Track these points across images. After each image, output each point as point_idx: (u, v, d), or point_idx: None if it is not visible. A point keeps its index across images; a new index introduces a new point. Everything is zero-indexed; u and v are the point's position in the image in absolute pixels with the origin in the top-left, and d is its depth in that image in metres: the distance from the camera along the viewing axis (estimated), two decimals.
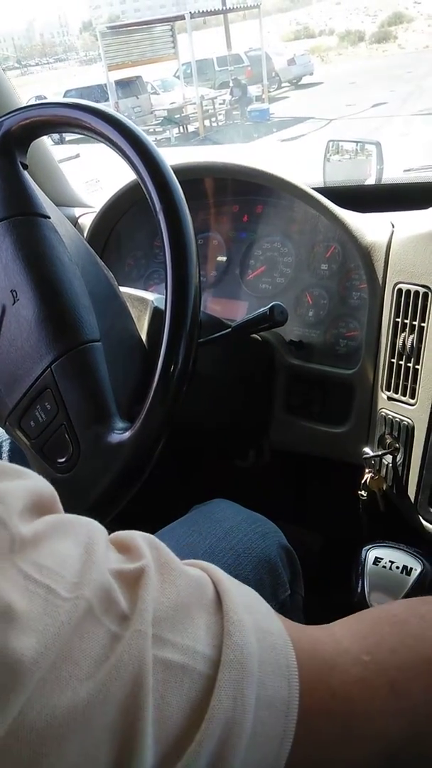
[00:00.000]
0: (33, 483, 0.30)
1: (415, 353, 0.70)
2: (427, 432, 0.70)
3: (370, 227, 0.77)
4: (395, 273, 0.71)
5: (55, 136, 5.56)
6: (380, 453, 0.75)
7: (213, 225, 0.97)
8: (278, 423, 0.87)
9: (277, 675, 0.30)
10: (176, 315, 0.54)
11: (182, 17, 13.50)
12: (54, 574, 0.26)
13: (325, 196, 0.80)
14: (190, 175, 0.90)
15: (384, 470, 0.76)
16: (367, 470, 0.77)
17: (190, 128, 12.75)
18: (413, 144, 6.25)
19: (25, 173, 0.64)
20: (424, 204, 0.77)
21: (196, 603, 0.30)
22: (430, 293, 0.67)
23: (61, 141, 8.24)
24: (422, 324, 0.69)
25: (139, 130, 0.58)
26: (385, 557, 0.67)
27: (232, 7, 15.89)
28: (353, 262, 0.81)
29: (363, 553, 0.69)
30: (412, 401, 0.71)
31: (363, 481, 0.77)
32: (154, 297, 0.69)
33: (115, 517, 0.57)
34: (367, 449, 0.78)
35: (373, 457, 0.76)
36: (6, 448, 0.87)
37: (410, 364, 0.71)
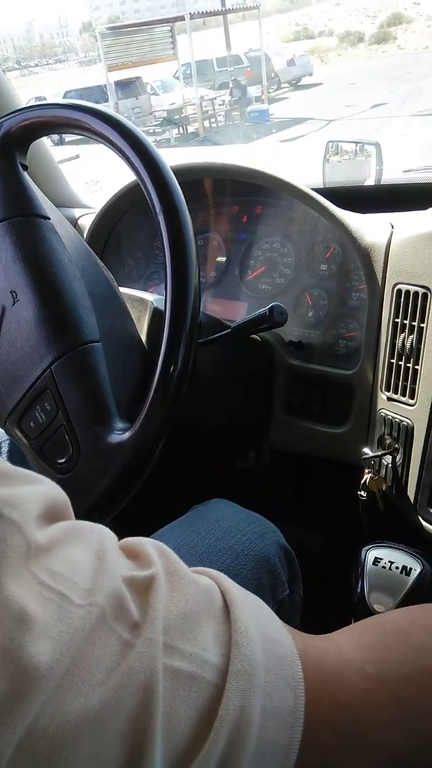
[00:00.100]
0: (47, 489, 0.30)
1: (415, 354, 0.70)
2: (426, 432, 0.70)
3: (370, 228, 0.77)
4: (394, 273, 0.72)
5: (55, 137, 5.56)
6: (380, 453, 0.75)
7: (212, 226, 0.97)
8: (278, 423, 0.87)
9: (284, 685, 0.30)
10: (176, 315, 0.54)
11: (182, 18, 13.51)
12: (67, 581, 0.26)
13: (324, 196, 0.80)
14: (190, 176, 0.90)
15: (384, 470, 0.76)
16: (366, 470, 0.77)
17: (190, 129, 12.75)
18: (412, 145, 6.26)
19: (25, 174, 0.64)
20: (423, 205, 0.77)
21: (204, 611, 0.30)
22: (429, 294, 0.68)
23: (61, 142, 8.23)
24: (421, 324, 0.69)
25: (138, 130, 0.58)
26: (384, 557, 0.67)
27: (231, 8, 15.93)
28: (353, 262, 0.81)
29: (363, 553, 0.69)
30: (411, 402, 0.71)
31: (363, 482, 0.77)
32: (153, 298, 0.69)
33: (115, 517, 0.57)
34: (366, 449, 0.79)
35: (372, 457, 0.76)
36: (6, 448, 0.86)
37: (410, 365, 0.71)
